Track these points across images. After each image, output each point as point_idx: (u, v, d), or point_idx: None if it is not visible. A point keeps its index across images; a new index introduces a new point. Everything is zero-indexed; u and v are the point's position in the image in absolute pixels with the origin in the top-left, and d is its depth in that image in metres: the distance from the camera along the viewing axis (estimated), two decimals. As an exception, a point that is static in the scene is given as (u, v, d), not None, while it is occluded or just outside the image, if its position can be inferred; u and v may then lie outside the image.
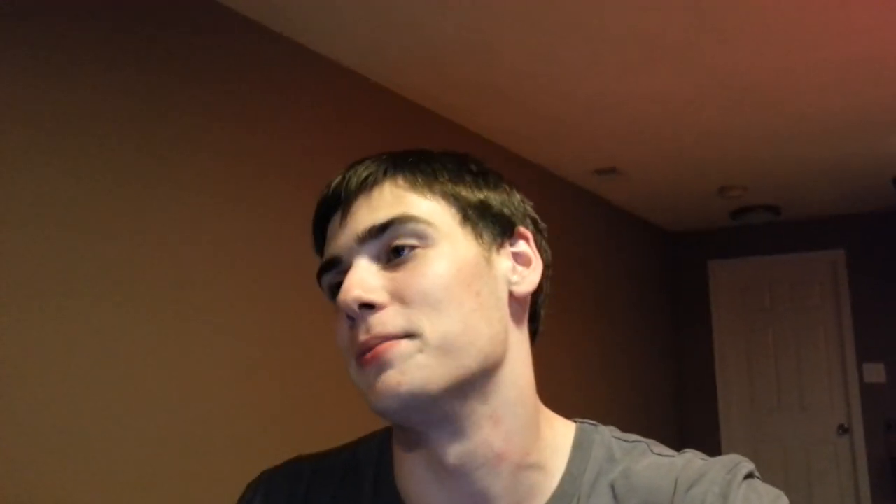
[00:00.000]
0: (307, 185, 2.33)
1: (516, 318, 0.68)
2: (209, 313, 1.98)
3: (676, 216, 5.25)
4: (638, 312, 4.99)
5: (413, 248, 0.63)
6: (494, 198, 0.68)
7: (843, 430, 5.06)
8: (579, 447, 0.69)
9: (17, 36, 1.62)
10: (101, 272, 1.72)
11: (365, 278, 0.62)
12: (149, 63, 1.89)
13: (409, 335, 0.61)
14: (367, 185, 0.65)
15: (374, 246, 0.63)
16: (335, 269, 0.66)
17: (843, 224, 5.17)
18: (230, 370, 2.01)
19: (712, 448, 5.24)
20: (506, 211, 0.68)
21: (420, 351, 0.60)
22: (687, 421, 5.47)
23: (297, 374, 2.22)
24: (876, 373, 5.00)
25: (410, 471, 0.67)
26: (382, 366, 0.60)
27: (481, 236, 0.66)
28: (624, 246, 4.91)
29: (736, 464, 0.65)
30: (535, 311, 0.71)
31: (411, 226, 0.63)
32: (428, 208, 0.64)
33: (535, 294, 0.70)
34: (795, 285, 5.35)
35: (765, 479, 0.66)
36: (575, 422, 0.72)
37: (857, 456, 5.00)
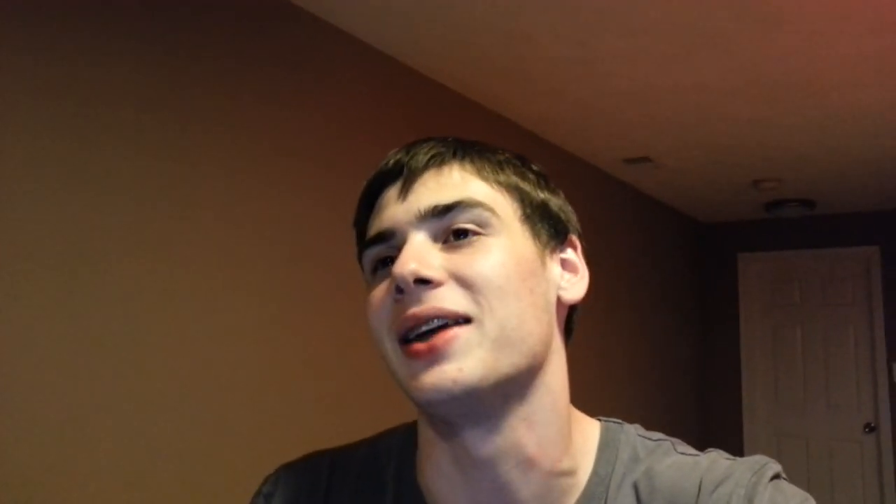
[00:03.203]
0: (338, 168, 2.34)
1: (559, 325, 0.68)
2: (222, 306, 1.94)
3: (708, 207, 5.18)
4: (665, 303, 4.95)
5: (475, 233, 0.62)
6: (553, 201, 0.69)
7: (870, 428, 5.00)
8: (605, 448, 0.68)
9: (45, 15, 1.61)
10: (112, 264, 1.69)
11: (423, 254, 0.61)
12: (180, 43, 1.88)
13: (467, 318, 0.59)
14: (434, 163, 0.64)
15: (434, 225, 0.62)
16: (385, 243, 0.64)
17: (879, 220, 5.07)
18: (247, 366, 1.98)
19: (735, 443, 5.21)
20: (562, 216, 0.69)
21: (478, 345, 0.59)
22: (710, 414, 5.42)
23: (316, 371, 2.20)
24: (906, 373, 4.92)
25: (437, 467, 0.66)
26: (438, 358, 0.58)
27: (539, 236, 0.66)
28: (653, 235, 4.87)
29: (762, 465, 0.64)
30: (569, 324, 0.71)
31: (477, 212, 0.62)
32: (493, 197, 0.64)
33: (573, 306, 0.70)
34: (826, 281, 5.27)
35: (786, 476, 0.65)
36: (600, 420, 0.71)
37: (884, 456, 4.93)
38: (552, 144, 3.60)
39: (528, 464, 0.63)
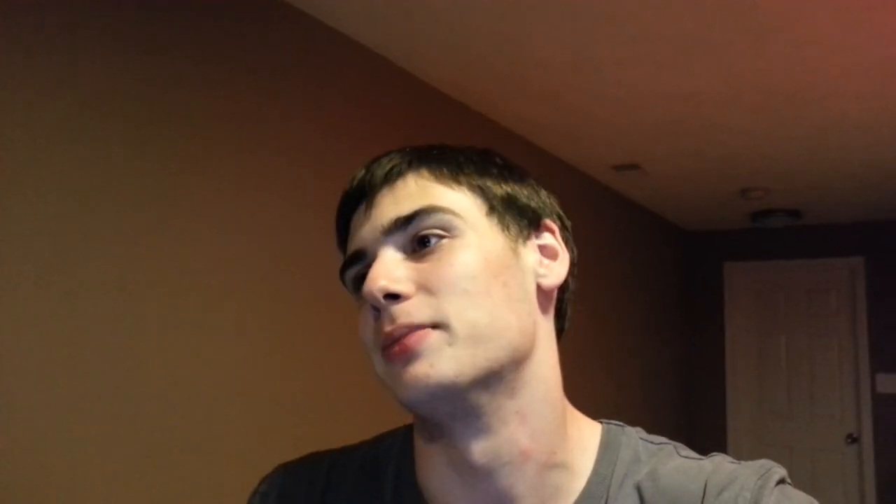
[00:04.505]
0: (329, 172, 2.32)
1: (544, 312, 0.68)
2: (219, 308, 1.93)
3: (695, 216, 5.21)
4: (650, 311, 4.96)
5: (439, 238, 0.62)
6: (520, 191, 0.68)
7: (852, 439, 5.03)
8: (606, 448, 0.68)
9: (41, 16, 1.59)
10: (107, 263, 1.68)
11: (390, 268, 0.61)
12: (174, 44, 1.87)
13: (435, 325, 0.60)
14: (391, 177, 0.65)
15: (400, 237, 0.63)
16: (359, 263, 0.65)
17: (864, 231, 5.11)
18: (240, 367, 1.98)
19: (717, 449, 5.21)
20: (532, 204, 0.68)
21: (449, 344, 0.59)
22: (694, 422, 5.44)
23: (310, 372, 2.19)
24: (889, 384, 4.95)
25: (432, 467, 0.66)
26: (410, 357, 0.59)
27: (508, 228, 0.65)
28: (639, 243, 4.88)
29: (768, 469, 0.64)
30: (560, 309, 0.70)
31: (437, 217, 0.62)
32: (454, 199, 0.64)
33: (562, 290, 0.69)
34: (812, 291, 5.30)
35: (791, 481, 0.65)
36: (601, 422, 0.71)
37: (865, 467, 4.96)
38: (541, 149, 3.61)
39: (521, 457, 0.63)
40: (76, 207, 1.63)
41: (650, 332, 4.94)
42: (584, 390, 3.86)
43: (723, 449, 5.25)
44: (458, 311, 0.60)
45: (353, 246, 0.66)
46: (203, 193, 1.92)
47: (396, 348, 0.60)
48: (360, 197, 0.66)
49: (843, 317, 5.18)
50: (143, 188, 1.77)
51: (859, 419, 5.03)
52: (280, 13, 2.18)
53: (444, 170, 0.65)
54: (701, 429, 5.41)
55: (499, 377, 0.61)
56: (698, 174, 4.10)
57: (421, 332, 0.59)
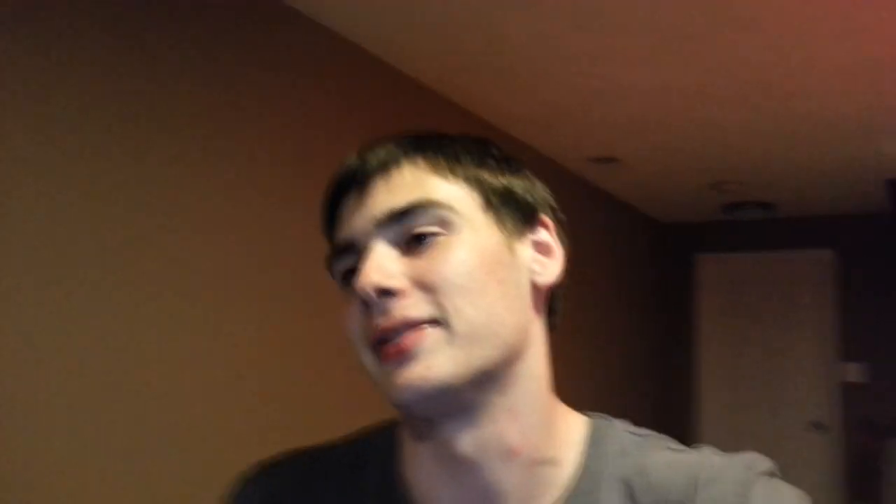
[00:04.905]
0: (312, 168, 2.29)
1: (537, 310, 0.66)
2: (211, 306, 1.93)
3: (669, 208, 5.26)
4: (622, 302, 5.00)
5: (435, 234, 0.60)
6: (517, 184, 0.66)
7: (820, 427, 5.12)
8: (593, 442, 0.67)
9: (41, 18, 1.57)
10: (102, 263, 1.68)
11: (384, 264, 0.59)
12: (158, 41, 1.85)
13: (434, 321, 0.59)
14: (385, 166, 0.62)
15: (393, 230, 0.61)
16: (348, 254, 0.63)
17: (835, 224, 5.19)
18: (233, 365, 1.98)
19: (683, 437, 5.28)
20: (529, 198, 0.67)
21: (448, 343, 0.58)
22: (663, 409, 5.50)
23: (309, 368, 2.19)
24: (856, 372, 5.06)
25: (420, 463, 0.66)
26: (406, 359, 0.58)
27: (504, 223, 0.64)
28: (612, 234, 4.91)
29: (756, 462, 0.64)
30: (552, 305, 0.69)
31: (433, 212, 0.61)
32: (450, 193, 0.62)
33: (554, 286, 0.68)
34: (783, 283, 5.38)
35: (780, 475, 0.65)
36: (587, 415, 0.70)
37: (832, 453, 5.07)
38: (516, 140, 3.61)
39: (510, 454, 0.62)
40: (74, 208, 1.62)
41: (623, 322, 4.99)
42: (556, 380, 3.90)
43: (694, 437, 5.32)
44: (457, 308, 0.59)
45: (342, 235, 0.63)
46: (201, 190, 1.92)
47: (392, 349, 0.58)
48: (350, 184, 0.64)
49: (813, 308, 5.27)
50: (141, 190, 1.77)
51: (828, 407, 5.13)
52: (262, 6, 2.15)
53: (441, 160, 0.63)
54: (669, 414, 5.47)
55: (491, 376, 0.61)
56: (673, 166, 4.14)
57: (418, 333, 0.58)
